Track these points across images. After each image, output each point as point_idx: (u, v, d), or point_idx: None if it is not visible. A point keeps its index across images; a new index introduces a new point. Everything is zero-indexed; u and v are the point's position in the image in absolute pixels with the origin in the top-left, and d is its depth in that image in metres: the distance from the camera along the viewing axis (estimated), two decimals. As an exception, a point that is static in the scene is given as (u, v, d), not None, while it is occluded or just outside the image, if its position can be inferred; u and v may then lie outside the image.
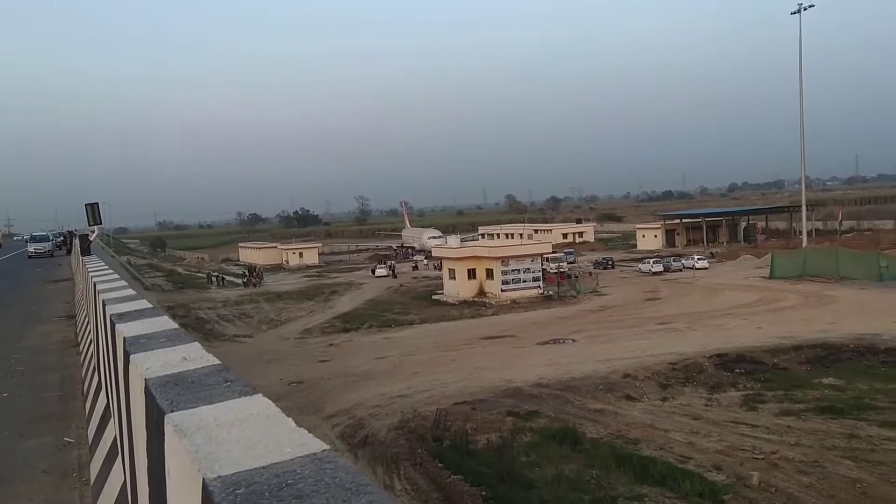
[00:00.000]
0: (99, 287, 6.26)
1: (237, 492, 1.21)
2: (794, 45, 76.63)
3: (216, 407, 1.79)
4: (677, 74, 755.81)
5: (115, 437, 4.83)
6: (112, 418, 5.21)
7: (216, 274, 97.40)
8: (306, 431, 1.48)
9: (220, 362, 2.36)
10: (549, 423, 27.36)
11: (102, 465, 5.01)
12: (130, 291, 5.82)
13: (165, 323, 3.58)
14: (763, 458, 23.13)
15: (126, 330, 3.41)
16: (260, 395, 1.83)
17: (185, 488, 1.45)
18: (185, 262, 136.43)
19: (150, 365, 2.46)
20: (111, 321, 4.13)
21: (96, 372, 7.44)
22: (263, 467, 1.30)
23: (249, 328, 56.07)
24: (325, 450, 1.36)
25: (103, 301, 5.12)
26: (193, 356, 2.49)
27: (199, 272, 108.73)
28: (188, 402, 1.87)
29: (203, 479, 1.30)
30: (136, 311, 4.24)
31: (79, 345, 11.68)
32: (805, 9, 74.61)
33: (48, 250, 51.87)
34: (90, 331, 9.64)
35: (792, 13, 75.52)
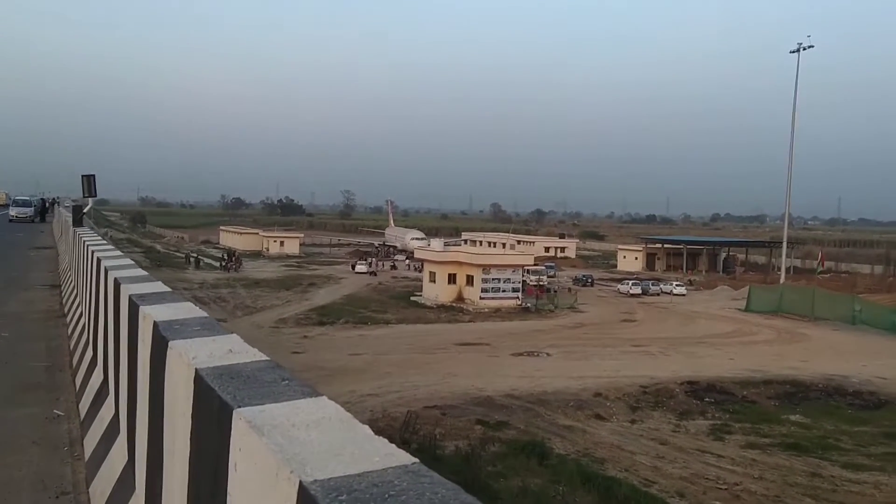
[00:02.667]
0: (106, 264, 6.14)
1: (340, 498, 1.23)
2: (784, 83, 77.68)
3: (284, 406, 1.81)
4: (669, 102, 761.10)
5: (115, 415, 4.80)
6: (110, 396, 5.17)
7: (194, 255, 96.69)
8: (387, 441, 1.51)
9: (268, 357, 2.37)
10: (517, 435, 27.41)
11: (99, 442, 4.96)
12: (142, 271, 5.77)
13: (192, 309, 3.57)
14: (726, 489, 23.33)
15: (154, 313, 3.37)
16: (325, 397, 1.86)
17: (272, 488, 1.44)
18: (164, 240, 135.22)
19: (195, 354, 2.44)
20: (131, 301, 4.09)
21: (89, 347, 7.37)
22: (358, 475, 1.32)
23: (224, 313, 55.61)
24: (415, 462, 1.39)
25: (116, 279, 5.05)
26: (238, 349, 2.49)
27: (177, 251, 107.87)
28: (253, 398, 1.88)
29: (300, 481, 1.32)
30: (156, 293, 4.20)
31: (65, 315, 11.55)
32: (804, 49, 75.52)
33: (30, 216, 51.33)
34: (80, 303, 9.55)
35: (791, 52, 76.43)
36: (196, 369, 2.27)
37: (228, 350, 2.47)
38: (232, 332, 2.84)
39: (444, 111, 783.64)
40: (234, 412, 1.81)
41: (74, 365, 8.06)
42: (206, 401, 2.10)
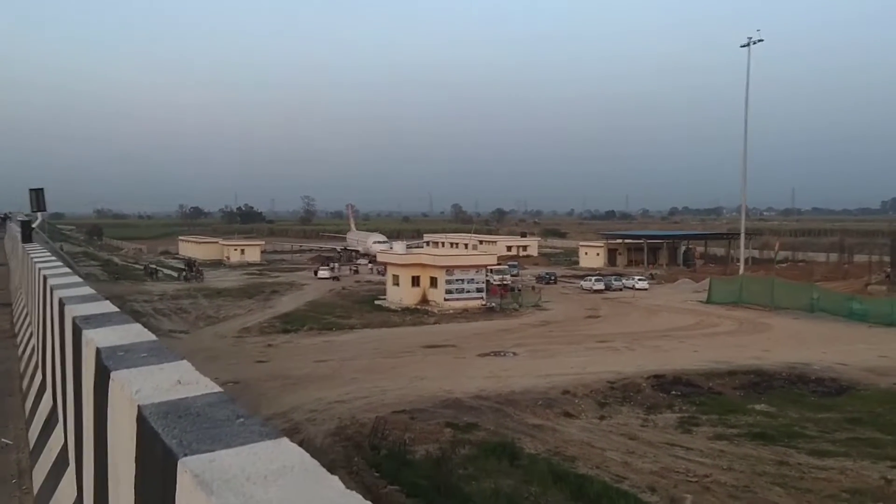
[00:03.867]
0: (52, 282, 5.72)
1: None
2: (738, 77, 78.94)
3: (238, 452, 1.56)
4: (625, 99, 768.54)
5: (64, 445, 4.47)
6: (59, 424, 4.83)
7: (153, 266, 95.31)
8: (360, 496, 1.28)
9: (221, 389, 2.12)
10: (487, 437, 27.23)
11: (48, 474, 4.61)
12: (90, 290, 5.37)
13: (141, 333, 3.25)
14: (696, 481, 23.37)
15: (97, 339, 3.06)
16: (286, 438, 1.61)
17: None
18: (122, 253, 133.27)
19: (139, 387, 2.17)
20: (75, 325, 3.78)
21: (38, 370, 6.97)
22: (333, 549, 1.10)
23: (186, 324, 54.80)
24: None
25: (60, 299, 4.69)
26: (188, 379, 2.23)
27: (136, 263, 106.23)
28: (202, 443, 1.63)
29: (257, 558, 1.08)
30: (101, 314, 3.86)
31: (16, 336, 11.05)
32: (754, 43, 76.61)
33: None
34: (30, 323, 9.11)
35: (741, 46, 77.51)
36: (139, 406, 2.00)
37: (177, 381, 2.21)
38: (182, 359, 2.57)
39: (401, 113, 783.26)
40: (178, 462, 1.55)
41: (24, 389, 7.64)
42: (150, 445, 1.83)
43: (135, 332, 3.23)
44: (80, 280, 6.26)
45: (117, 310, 4.09)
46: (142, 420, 1.94)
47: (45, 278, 6.40)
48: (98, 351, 2.89)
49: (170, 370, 2.36)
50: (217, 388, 2.12)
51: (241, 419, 1.81)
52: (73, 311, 4.05)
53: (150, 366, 2.47)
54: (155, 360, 2.57)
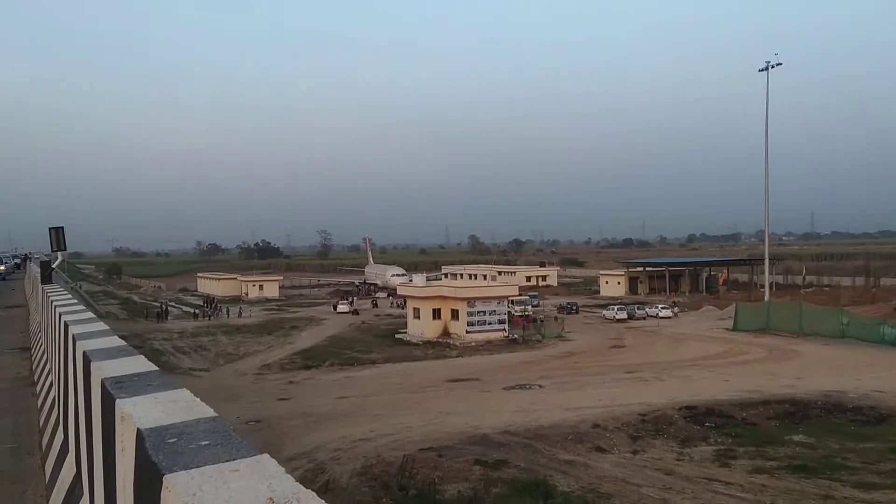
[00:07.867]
0: (74, 330, 5.02)
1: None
2: (753, 101, 78.51)
3: None
4: (640, 127, 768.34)
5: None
6: (85, 497, 4.17)
7: (173, 304, 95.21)
8: None
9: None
10: (518, 474, 26.39)
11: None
12: (119, 341, 4.55)
13: (193, 405, 2.46)
14: (740, 518, 22.47)
15: (136, 415, 2.30)
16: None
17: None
18: (141, 291, 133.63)
19: None
20: (104, 389, 3.08)
21: (60, 427, 6.32)
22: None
23: (206, 362, 54.41)
24: None
25: (85, 354, 3.94)
26: (283, 495, 1.58)
27: (155, 301, 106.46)
28: None
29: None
30: (136, 375, 3.02)
31: (35, 384, 10.45)
32: (773, 67, 76.16)
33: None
34: (50, 371, 8.52)
35: (760, 70, 77.07)
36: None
37: (268, 498, 1.56)
38: (261, 452, 1.87)
39: (415, 146, 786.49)
40: None
41: (45, 447, 7.00)
42: None
43: (185, 403, 2.49)
44: (106, 328, 5.57)
45: (156, 368, 3.41)
46: None
47: (66, 325, 5.76)
48: (139, 435, 2.22)
49: (249, 472, 1.67)
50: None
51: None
52: (100, 369, 3.39)
53: (219, 464, 1.81)
54: (223, 454, 1.87)
